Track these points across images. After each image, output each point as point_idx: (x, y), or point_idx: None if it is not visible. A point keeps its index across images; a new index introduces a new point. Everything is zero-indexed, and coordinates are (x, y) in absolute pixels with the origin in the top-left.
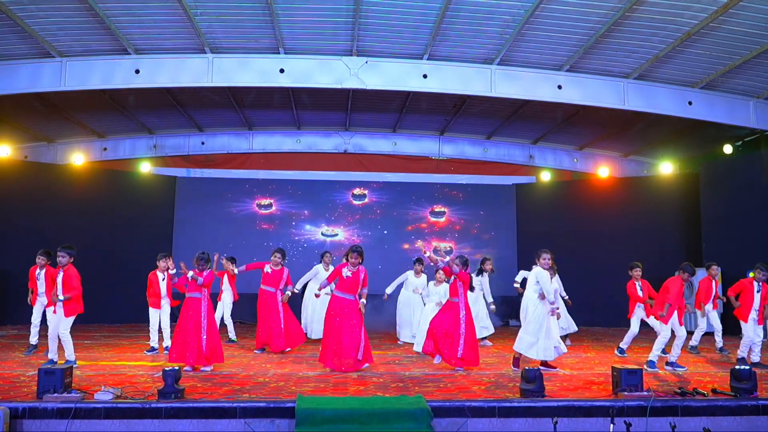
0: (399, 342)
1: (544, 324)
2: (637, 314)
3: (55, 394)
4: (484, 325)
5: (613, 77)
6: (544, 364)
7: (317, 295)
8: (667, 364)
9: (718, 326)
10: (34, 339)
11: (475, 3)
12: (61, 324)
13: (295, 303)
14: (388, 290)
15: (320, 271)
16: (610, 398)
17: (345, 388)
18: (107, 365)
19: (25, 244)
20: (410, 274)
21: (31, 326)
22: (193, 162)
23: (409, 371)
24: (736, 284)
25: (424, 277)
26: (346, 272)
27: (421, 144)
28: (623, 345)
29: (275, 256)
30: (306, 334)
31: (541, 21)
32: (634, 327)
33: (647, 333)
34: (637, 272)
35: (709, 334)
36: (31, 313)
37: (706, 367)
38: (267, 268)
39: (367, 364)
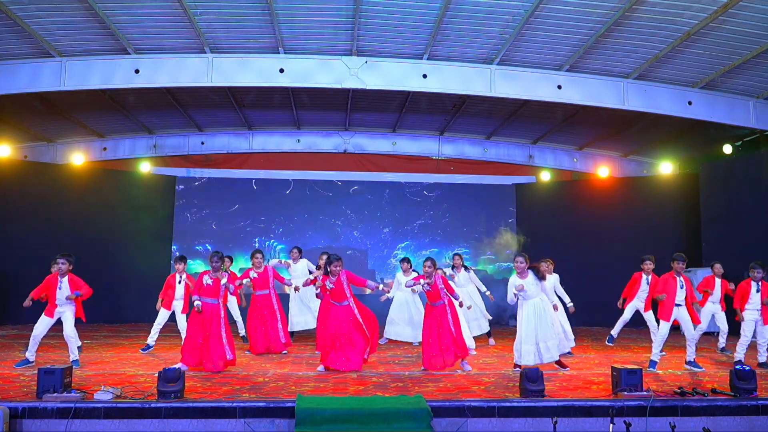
0: (383, 340)
1: None
2: (634, 306)
3: (55, 394)
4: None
5: (613, 77)
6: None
7: (297, 288)
8: (686, 363)
9: (724, 327)
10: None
11: (475, 3)
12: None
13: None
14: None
15: (291, 266)
16: (609, 398)
17: (345, 388)
18: (107, 365)
19: (24, 244)
20: (398, 274)
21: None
22: (193, 162)
23: (409, 371)
24: (737, 292)
25: (414, 274)
26: (329, 285)
27: (421, 144)
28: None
29: (256, 258)
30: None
31: (541, 21)
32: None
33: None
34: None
35: (709, 334)
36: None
37: (706, 367)
38: (252, 273)
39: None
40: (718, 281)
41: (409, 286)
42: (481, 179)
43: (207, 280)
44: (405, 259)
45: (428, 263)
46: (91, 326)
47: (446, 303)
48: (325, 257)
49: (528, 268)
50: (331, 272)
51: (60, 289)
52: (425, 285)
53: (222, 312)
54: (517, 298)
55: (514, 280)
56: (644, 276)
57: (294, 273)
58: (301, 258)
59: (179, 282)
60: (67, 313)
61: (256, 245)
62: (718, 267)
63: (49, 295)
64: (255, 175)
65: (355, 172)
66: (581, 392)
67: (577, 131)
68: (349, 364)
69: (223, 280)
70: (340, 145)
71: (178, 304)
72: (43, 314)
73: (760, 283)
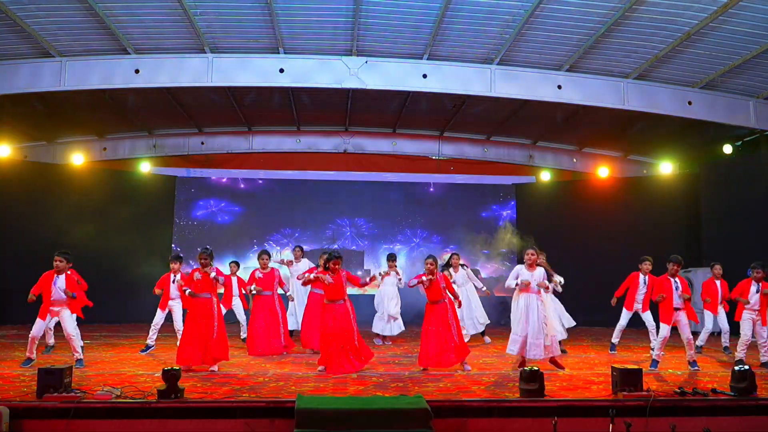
0: (377, 341)
1: None
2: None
3: (55, 394)
4: (481, 321)
5: (613, 77)
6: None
7: (292, 298)
8: (689, 363)
9: (725, 327)
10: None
11: (475, 3)
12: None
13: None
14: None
15: (293, 265)
16: (609, 398)
17: (345, 388)
18: (107, 365)
19: (24, 244)
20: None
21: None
22: (193, 162)
23: (409, 371)
24: (736, 287)
25: (399, 270)
26: (328, 280)
27: (421, 144)
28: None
29: (262, 259)
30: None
31: (541, 21)
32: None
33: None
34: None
35: (711, 334)
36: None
37: (706, 367)
38: (258, 274)
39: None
40: (718, 283)
41: (412, 285)
42: (481, 179)
43: (197, 275)
44: (390, 256)
45: (430, 260)
46: (91, 326)
47: (447, 302)
48: (326, 256)
49: (538, 265)
50: (331, 269)
51: (55, 285)
52: (426, 282)
53: (215, 307)
54: (516, 288)
55: (522, 272)
56: (642, 276)
57: (296, 272)
58: (303, 258)
59: (173, 282)
60: (63, 313)
61: (256, 245)
62: (717, 268)
63: (44, 293)
64: (255, 175)
65: (355, 172)
66: (581, 392)
67: (577, 131)
68: (354, 366)
69: (212, 274)
70: (340, 145)
71: (172, 304)
72: (37, 317)
73: (760, 284)
